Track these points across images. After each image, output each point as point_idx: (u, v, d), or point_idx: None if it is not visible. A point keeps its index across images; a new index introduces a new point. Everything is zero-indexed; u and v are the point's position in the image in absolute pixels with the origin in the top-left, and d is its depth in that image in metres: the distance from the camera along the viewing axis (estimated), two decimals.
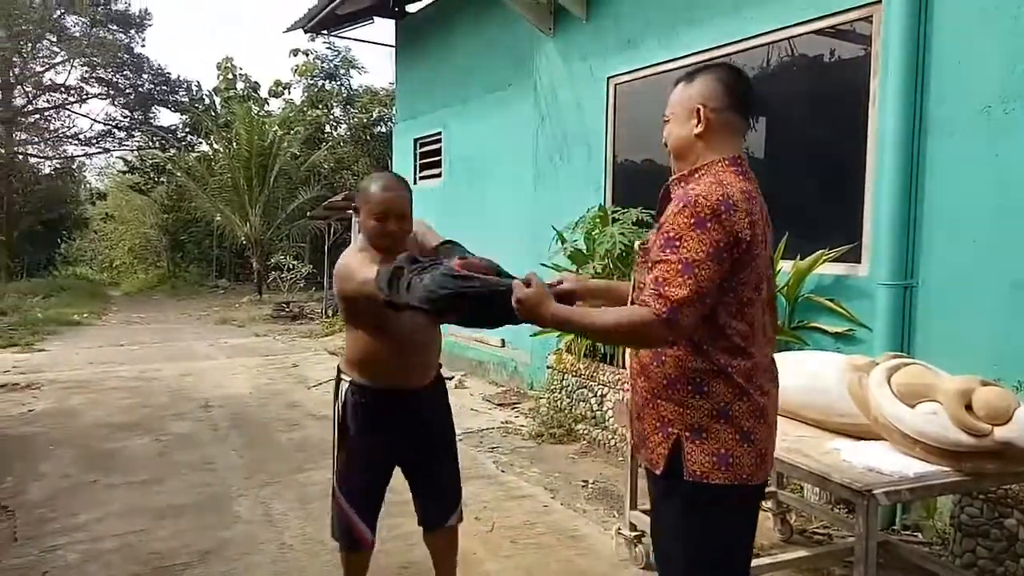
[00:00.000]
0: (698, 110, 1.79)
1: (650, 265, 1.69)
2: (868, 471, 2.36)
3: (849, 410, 2.67)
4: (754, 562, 2.97)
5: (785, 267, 4.15)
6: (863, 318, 3.89)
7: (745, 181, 1.73)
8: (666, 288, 1.60)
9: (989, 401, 2.30)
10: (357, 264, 2.31)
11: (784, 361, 3.05)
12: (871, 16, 3.89)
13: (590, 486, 4.37)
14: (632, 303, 1.84)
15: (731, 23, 4.70)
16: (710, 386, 1.72)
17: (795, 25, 4.30)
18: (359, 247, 2.45)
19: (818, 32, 4.24)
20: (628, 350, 1.95)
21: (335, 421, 2.60)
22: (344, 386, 2.55)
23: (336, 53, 22.80)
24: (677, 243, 1.63)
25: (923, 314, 3.65)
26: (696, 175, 1.78)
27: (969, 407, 2.32)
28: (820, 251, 4.04)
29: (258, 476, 4.56)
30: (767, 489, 3.69)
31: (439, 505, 2.68)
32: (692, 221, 1.62)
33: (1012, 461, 2.33)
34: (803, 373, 2.87)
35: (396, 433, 2.54)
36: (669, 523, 1.84)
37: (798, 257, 4.13)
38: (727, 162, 1.76)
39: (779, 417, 2.93)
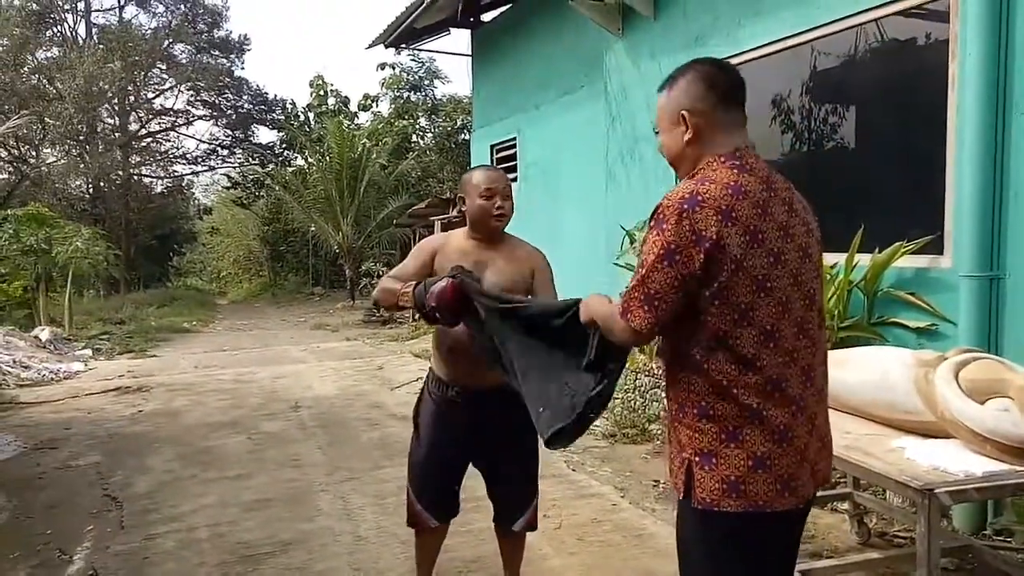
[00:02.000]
0: (682, 116, 1.69)
1: None
2: (932, 470, 2.27)
3: (916, 407, 2.56)
4: (819, 563, 2.91)
5: (863, 260, 4.01)
6: (947, 312, 3.71)
7: (743, 175, 1.62)
8: (627, 288, 1.63)
9: None
10: (397, 269, 2.57)
11: (849, 357, 2.99)
12: None
13: (661, 485, 4.34)
14: None
15: (795, 14, 4.58)
16: (715, 408, 1.60)
17: (866, 11, 4.14)
18: (454, 231, 2.67)
19: (887, 17, 4.07)
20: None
21: (414, 412, 2.77)
22: (426, 374, 2.72)
23: (420, 64, 23.42)
24: (644, 243, 1.64)
25: (1011, 307, 3.44)
26: (696, 177, 1.67)
27: None
28: (899, 243, 3.87)
29: (339, 472, 4.78)
30: (843, 491, 3.59)
31: (507, 510, 2.74)
32: (652, 224, 1.60)
33: None
34: (869, 369, 2.78)
35: (464, 430, 2.58)
36: (683, 548, 1.75)
37: (876, 250, 3.97)
38: (722, 159, 1.66)
39: (844, 415, 2.87)
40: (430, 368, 2.69)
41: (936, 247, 3.80)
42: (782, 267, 1.60)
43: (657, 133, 1.82)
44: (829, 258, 3.70)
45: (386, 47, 10.45)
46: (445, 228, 13.14)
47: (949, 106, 3.71)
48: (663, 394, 5.15)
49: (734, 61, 5.09)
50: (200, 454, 5.30)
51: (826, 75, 4.59)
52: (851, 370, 2.85)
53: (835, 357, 2.42)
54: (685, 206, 1.55)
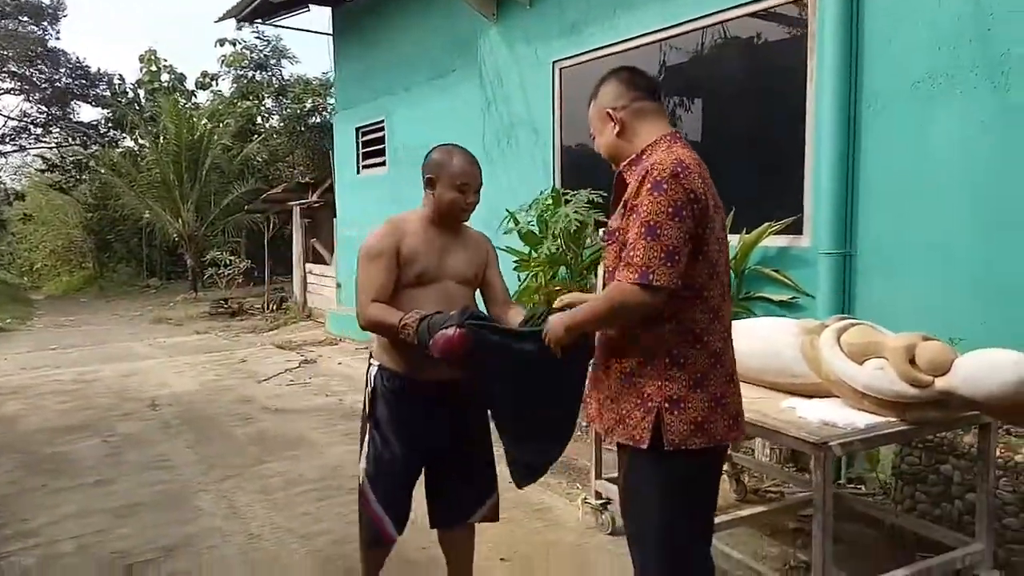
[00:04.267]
0: (608, 114, 1.95)
1: (621, 245, 1.77)
2: (823, 425, 2.51)
3: (802, 371, 2.81)
4: (715, 519, 3.13)
5: (732, 241, 4.32)
6: (806, 286, 4.09)
7: (688, 151, 1.83)
8: (632, 255, 1.69)
9: (931, 354, 2.47)
10: (369, 286, 2.32)
11: (737, 327, 3.21)
12: None
13: None
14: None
15: (670, 7, 4.83)
16: (688, 356, 1.78)
17: (733, 7, 4.45)
18: (406, 215, 2.45)
19: (754, 15, 4.40)
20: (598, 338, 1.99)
21: (363, 409, 2.50)
22: (372, 371, 2.45)
23: (266, 43, 22.19)
24: (641, 211, 1.71)
25: (861, 280, 3.87)
26: (645, 154, 1.87)
27: (912, 361, 2.49)
28: (766, 223, 4.21)
29: (216, 470, 4.49)
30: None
31: (465, 501, 2.55)
32: (650, 187, 1.71)
33: (951, 408, 2.52)
34: (757, 338, 3.00)
35: (424, 424, 2.40)
36: (644, 493, 1.88)
37: (744, 231, 4.30)
38: (669, 137, 1.88)
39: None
40: (376, 365, 2.45)
41: (797, 228, 4.18)
42: (718, 228, 1.82)
43: (594, 139, 2.05)
44: None
45: (239, 21, 9.82)
46: (305, 213, 12.62)
47: (808, 99, 4.08)
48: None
49: (610, 50, 5.29)
50: (46, 462, 4.77)
51: (698, 67, 4.89)
52: (740, 340, 3.04)
53: None
54: (678, 169, 1.71)
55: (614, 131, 1.95)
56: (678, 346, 1.78)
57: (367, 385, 2.48)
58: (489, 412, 2.34)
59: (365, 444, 2.47)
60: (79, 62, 23.92)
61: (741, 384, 3.01)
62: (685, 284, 1.73)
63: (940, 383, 2.45)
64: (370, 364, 2.49)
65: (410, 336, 2.17)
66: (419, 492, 2.57)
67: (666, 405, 1.79)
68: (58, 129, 24.54)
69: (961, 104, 3.42)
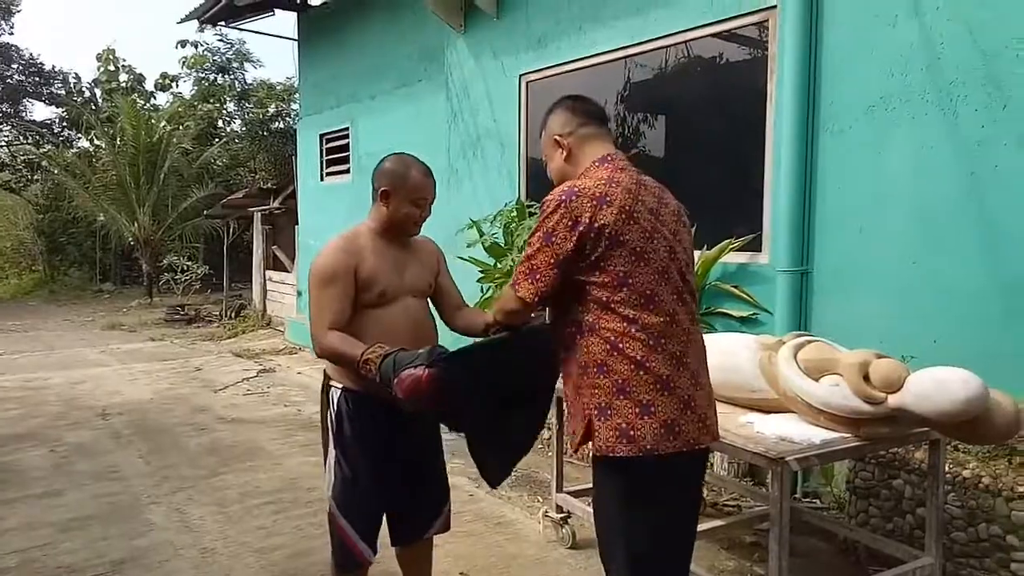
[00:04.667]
0: (557, 140, 2.08)
1: None
2: (780, 440, 2.55)
3: (760, 386, 2.86)
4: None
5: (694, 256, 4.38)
6: (765, 302, 4.17)
7: (616, 172, 1.95)
8: (516, 272, 1.96)
9: (884, 372, 2.53)
10: (326, 310, 2.23)
11: None
12: (767, 21, 4.16)
13: (513, 474, 4.45)
14: None
15: (635, 25, 4.89)
16: (609, 364, 1.86)
17: (697, 28, 4.53)
18: (357, 230, 2.37)
19: (717, 35, 4.49)
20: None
21: (326, 434, 2.39)
22: (336, 394, 2.34)
23: (229, 46, 21.90)
24: (531, 237, 1.93)
25: (818, 297, 3.95)
26: (579, 179, 1.99)
27: (867, 378, 2.55)
28: (727, 240, 4.28)
29: (169, 482, 4.38)
30: None
31: (422, 516, 2.52)
32: (539, 214, 1.94)
33: (903, 424, 2.58)
34: (716, 352, 3.00)
35: (387, 442, 2.33)
36: (595, 503, 2.03)
37: (704, 247, 4.36)
38: (596, 162, 2.01)
39: None
40: (339, 388, 2.34)
41: (756, 245, 4.25)
42: (657, 242, 1.90)
43: (547, 165, 2.17)
44: None
45: (201, 23, 9.65)
46: (266, 220, 12.44)
47: (767, 119, 4.17)
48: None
49: (577, 64, 5.34)
50: None
51: (663, 84, 4.96)
52: None
53: None
54: (563, 197, 1.88)
55: (562, 157, 2.08)
56: (602, 353, 1.88)
57: (328, 408, 2.37)
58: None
59: (330, 469, 2.37)
60: (32, 59, 23.32)
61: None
62: (593, 298, 1.88)
63: (893, 400, 2.51)
64: (329, 386, 2.38)
65: (372, 373, 2.07)
66: None
67: (595, 412, 1.88)
68: (9, 127, 23.81)
69: (912, 128, 3.53)
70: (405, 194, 2.32)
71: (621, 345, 1.85)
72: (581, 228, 1.84)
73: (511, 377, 2.09)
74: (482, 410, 2.07)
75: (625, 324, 1.85)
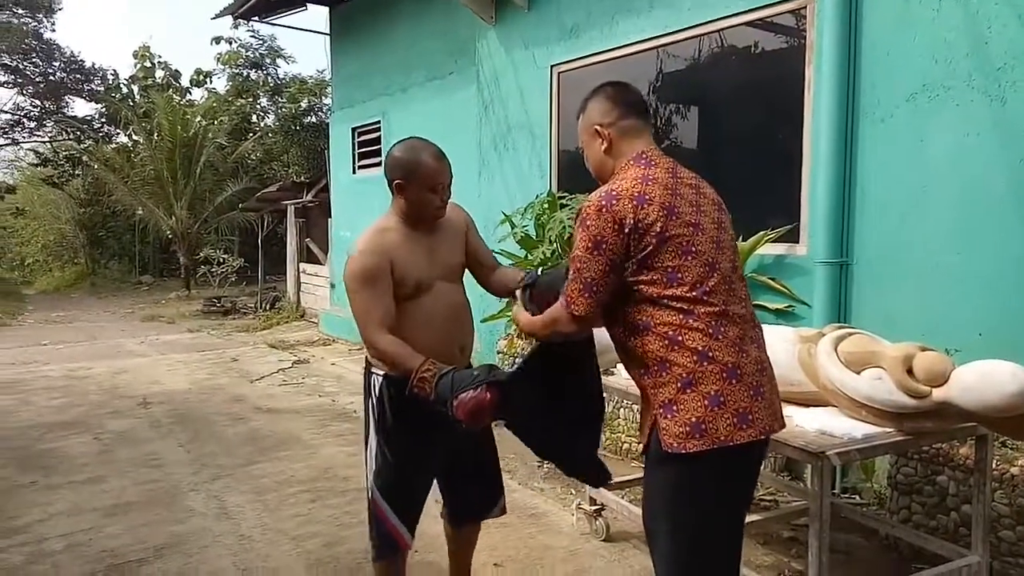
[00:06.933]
0: (597, 130, 2.01)
1: None
2: (821, 435, 2.51)
3: (799, 379, 2.81)
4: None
5: None
6: (802, 295, 4.10)
7: (650, 169, 1.90)
8: (568, 291, 1.89)
9: (929, 365, 2.47)
10: (372, 311, 2.21)
11: None
12: (805, 7, 4.07)
13: (545, 466, 4.45)
14: None
15: (668, 14, 4.83)
16: (670, 359, 1.80)
17: (731, 16, 4.45)
18: (384, 225, 2.32)
19: (752, 23, 4.40)
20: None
21: (367, 419, 2.40)
22: (377, 380, 2.33)
23: (261, 41, 22.14)
24: (574, 244, 1.89)
25: (857, 289, 3.87)
26: (614, 177, 1.96)
27: (910, 371, 2.49)
28: (763, 232, 4.22)
29: (208, 470, 4.46)
30: None
31: (481, 499, 2.54)
32: (578, 225, 1.88)
33: (948, 419, 2.52)
34: None
35: (438, 425, 2.26)
36: (654, 498, 1.92)
37: (741, 238, 4.30)
38: (631, 161, 1.95)
39: None
40: (380, 375, 2.32)
41: (794, 236, 4.18)
42: (702, 234, 1.86)
43: (583, 151, 2.12)
44: None
45: (235, 18, 9.78)
46: (299, 213, 12.58)
47: (805, 108, 4.08)
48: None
49: (608, 55, 5.29)
50: (38, 458, 4.74)
51: (696, 74, 4.89)
52: None
53: None
54: (603, 202, 1.83)
55: (602, 148, 2.02)
56: (661, 350, 1.83)
57: (370, 396, 2.37)
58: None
59: (372, 456, 2.38)
60: (74, 56, 23.83)
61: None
62: (644, 297, 1.83)
63: (937, 394, 2.45)
64: (371, 373, 2.36)
65: (426, 391, 2.04)
66: None
67: (660, 411, 1.82)
68: (52, 123, 24.39)
69: (957, 115, 3.43)
70: (420, 183, 2.25)
71: (680, 338, 1.79)
72: (627, 229, 1.80)
73: (564, 387, 2.13)
74: (543, 430, 2.16)
75: (681, 316, 1.80)
